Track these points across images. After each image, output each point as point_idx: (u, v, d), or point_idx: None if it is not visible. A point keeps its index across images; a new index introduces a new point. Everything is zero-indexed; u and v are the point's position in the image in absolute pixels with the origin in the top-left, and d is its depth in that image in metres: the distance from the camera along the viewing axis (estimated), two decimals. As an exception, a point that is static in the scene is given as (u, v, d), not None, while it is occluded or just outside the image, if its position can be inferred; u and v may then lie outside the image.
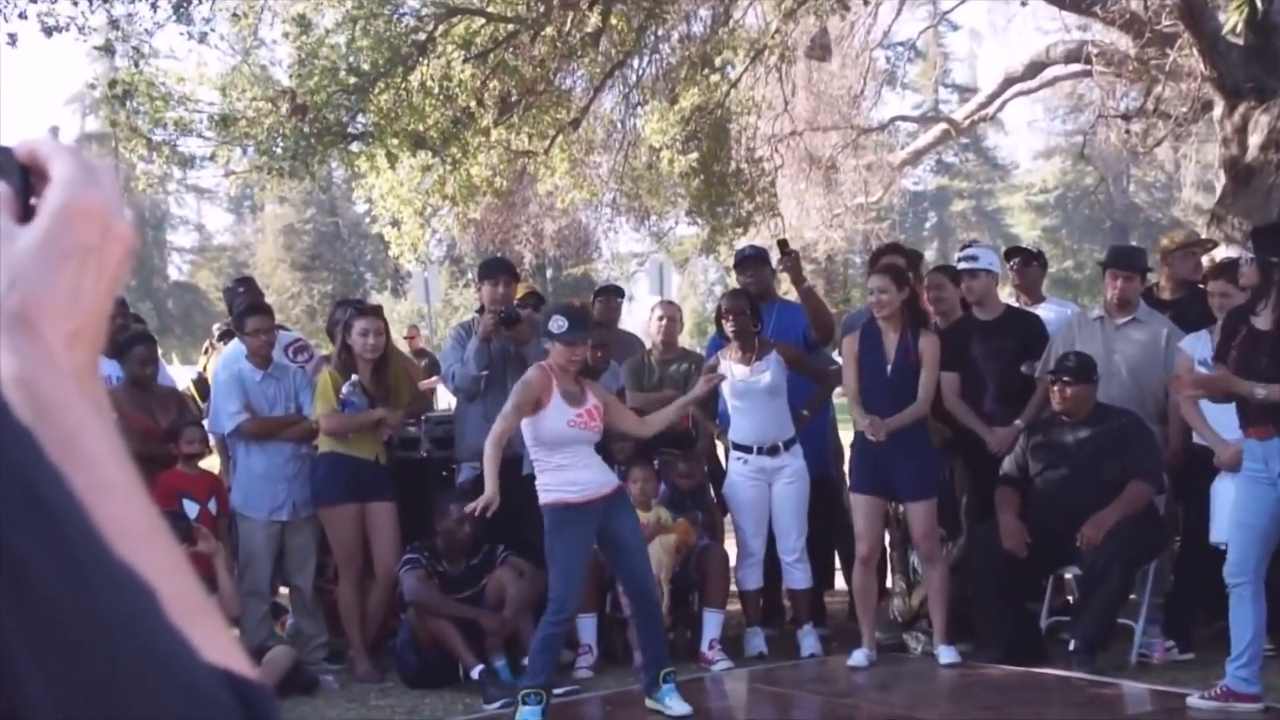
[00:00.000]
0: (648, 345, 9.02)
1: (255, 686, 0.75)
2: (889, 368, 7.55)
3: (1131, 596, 7.60)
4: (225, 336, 10.10)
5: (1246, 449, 6.29)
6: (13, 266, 0.78)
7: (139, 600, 0.70)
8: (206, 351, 10.13)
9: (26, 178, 0.82)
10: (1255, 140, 9.95)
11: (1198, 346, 7.20)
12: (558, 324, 6.53)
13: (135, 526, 0.76)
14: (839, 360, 8.61)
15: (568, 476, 6.47)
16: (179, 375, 12.03)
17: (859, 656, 7.62)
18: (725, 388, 7.92)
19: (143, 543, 0.75)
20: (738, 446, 8.08)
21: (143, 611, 0.69)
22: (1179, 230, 12.23)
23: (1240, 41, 10.32)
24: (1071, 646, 7.29)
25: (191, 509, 7.87)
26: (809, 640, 8.01)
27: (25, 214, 0.80)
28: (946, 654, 7.51)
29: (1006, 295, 9.67)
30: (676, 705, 6.59)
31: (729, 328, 8.00)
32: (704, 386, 7.00)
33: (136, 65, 10.81)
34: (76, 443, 0.76)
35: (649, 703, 6.68)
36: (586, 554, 6.60)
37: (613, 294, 10.36)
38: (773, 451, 7.95)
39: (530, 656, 6.62)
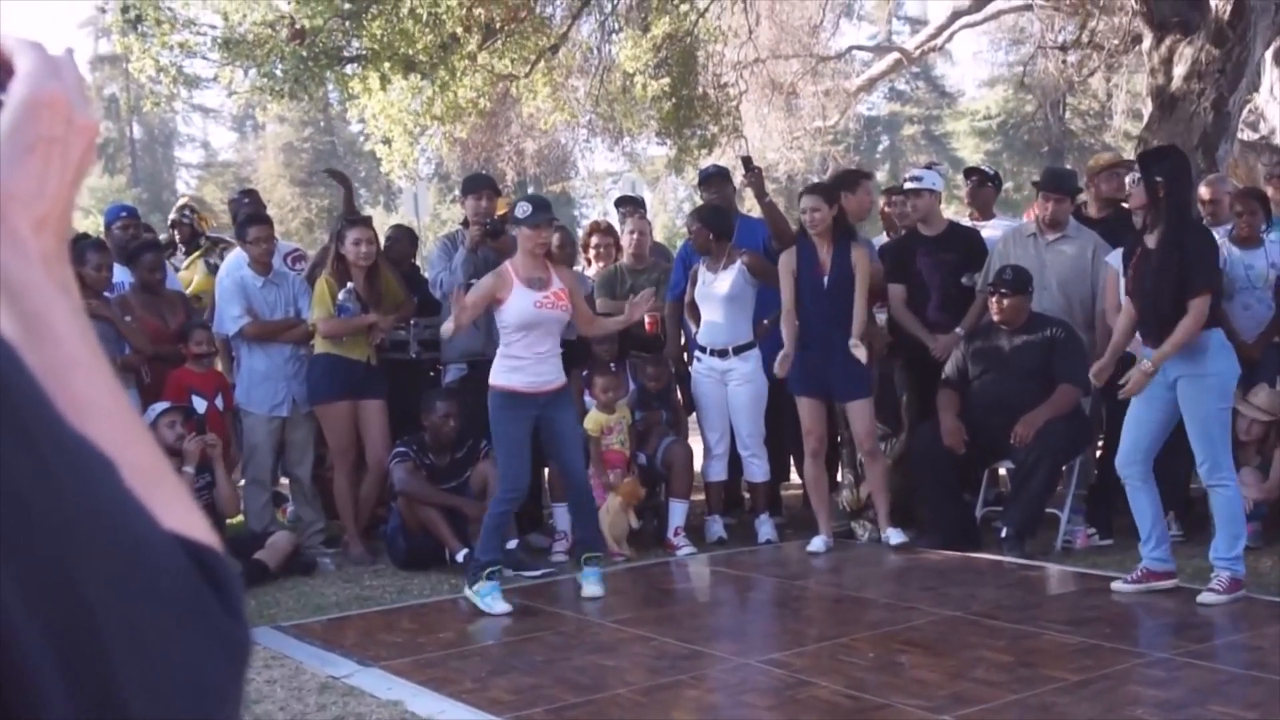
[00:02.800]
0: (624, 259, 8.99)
1: (208, 549, 0.73)
2: (825, 280, 7.55)
3: (1058, 489, 7.68)
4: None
5: (1145, 356, 6.31)
6: None
7: (94, 468, 0.68)
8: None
9: None
10: (1180, 71, 9.91)
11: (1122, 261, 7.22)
12: (522, 209, 6.49)
13: (97, 401, 0.75)
14: None
15: (522, 365, 6.42)
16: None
17: (817, 543, 7.70)
18: (696, 290, 8.00)
19: (104, 416, 0.74)
20: (697, 345, 8.13)
21: (95, 475, 0.68)
22: (1107, 153, 12.20)
23: (1168, -21, 10.25)
24: (1003, 534, 7.39)
25: (200, 405, 7.85)
26: (765, 528, 8.08)
27: None
28: (895, 536, 7.60)
29: (954, 212, 9.66)
30: (591, 588, 6.62)
31: (693, 241, 8.12)
32: (635, 312, 6.81)
33: (145, -12, 10.62)
34: (42, 321, 0.74)
35: (579, 578, 6.73)
36: (528, 436, 6.51)
37: (634, 204, 10.23)
38: (721, 354, 7.97)
39: (483, 536, 6.57)
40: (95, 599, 0.65)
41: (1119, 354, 6.62)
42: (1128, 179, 6.61)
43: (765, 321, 8.04)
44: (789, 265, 7.70)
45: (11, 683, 0.61)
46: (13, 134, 0.77)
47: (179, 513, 0.74)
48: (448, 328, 6.54)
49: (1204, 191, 8.54)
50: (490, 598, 6.38)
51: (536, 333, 6.44)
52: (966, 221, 9.05)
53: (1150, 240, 6.23)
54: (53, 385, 0.70)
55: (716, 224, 8.04)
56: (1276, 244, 7.86)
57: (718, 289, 7.87)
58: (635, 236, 8.89)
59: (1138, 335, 6.75)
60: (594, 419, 7.82)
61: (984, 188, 9.21)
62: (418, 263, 9.49)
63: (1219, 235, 7.99)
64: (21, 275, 0.74)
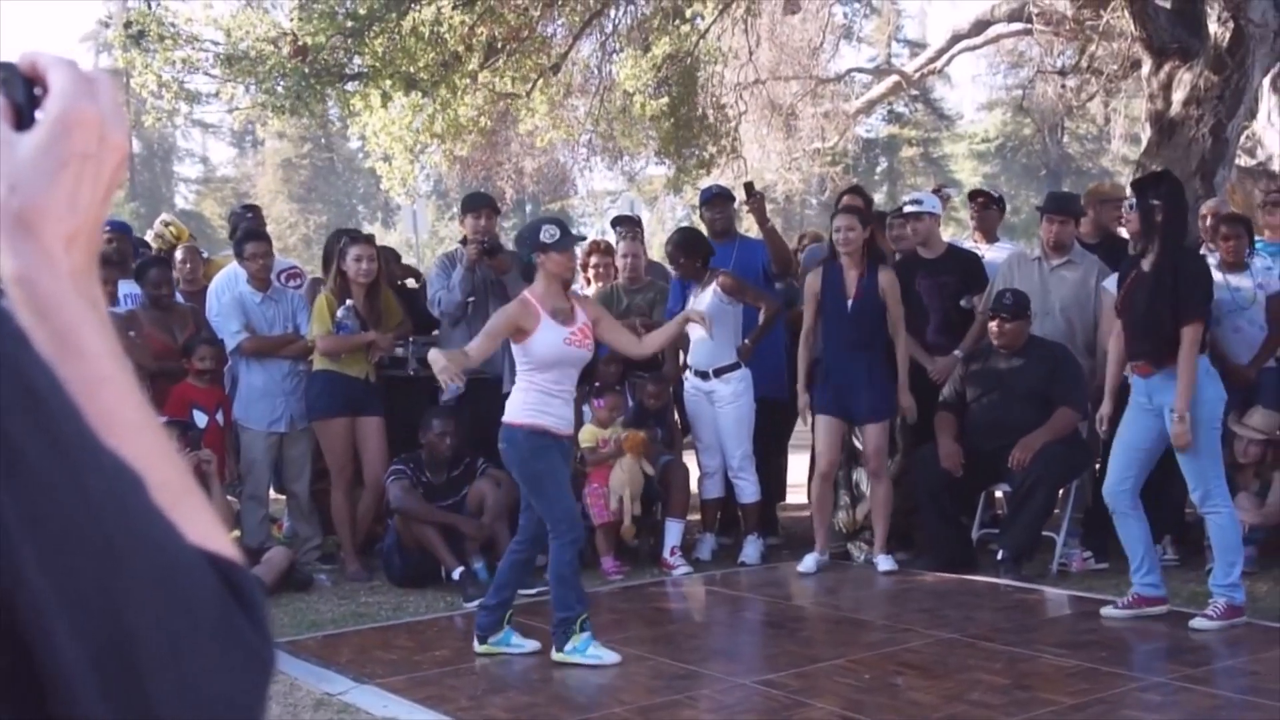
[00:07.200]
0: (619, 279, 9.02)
1: (234, 565, 0.74)
2: (849, 302, 7.58)
3: (1055, 512, 7.68)
4: None
5: (1132, 384, 6.34)
6: (14, 173, 0.77)
7: (126, 484, 0.69)
8: None
9: (31, 90, 0.80)
10: (1179, 96, 9.95)
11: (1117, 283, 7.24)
12: (549, 233, 5.84)
13: (126, 417, 0.76)
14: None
15: (551, 405, 5.79)
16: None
17: (809, 562, 7.70)
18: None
19: (133, 432, 0.75)
20: (687, 365, 8.17)
21: (129, 494, 0.69)
22: (1108, 180, 12.27)
23: (1167, 4, 10.30)
24: (1000, 556, 7.40)
25: (201, 419, 7.85)
26: (749, 549, 8.09)
27: (31, 124, 0.79)
28: (884, 562, 7.61)
29: (951, 234, 9.67)
30: (603, 653, 5.80)
31: (675, 273, 8.25)
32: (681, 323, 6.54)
33: (148, 4, 10.65)
34: (73, 337, 0.75)
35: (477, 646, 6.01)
36: (569, 470, 6.02)
37: (632, 224, 10.21)
38: (704, 376, 8.00)
39: (563, 588, 5.82)
40: (132, 615, 0.66)
41: (1117, 388, 6.64)
42: (1124, 204, 6.63)
43: (746, 342, 8.05)
44: (813, 287, 7.73)
45: (52, 698, 0.62)
46: (47, 150, 0.78)
47: (204, 528, 0.75)
48: (478, 348, 5.85)
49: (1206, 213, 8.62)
50: (593, 649, 5.75)
51: (558, 371, 5.83)
52: (968, 244, 9.08)
53: (1145, 263, 6.26)
54: (82, 400, 0.70)
55: (691, 248, 8.13)
56: (1263, 268, 7.93)
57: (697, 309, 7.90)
58: (629, 260, 8.90)
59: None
60: (589, 431, 7.82)
61: (989, 210, 9.23)
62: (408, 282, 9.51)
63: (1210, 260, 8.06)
64: (53, 291, 0.76)
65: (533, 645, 5.98)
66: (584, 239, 7.00)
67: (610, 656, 5.73)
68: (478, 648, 6.00)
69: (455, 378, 5.64)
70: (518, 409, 5.84)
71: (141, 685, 0.65)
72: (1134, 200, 6.34)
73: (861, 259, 7.58)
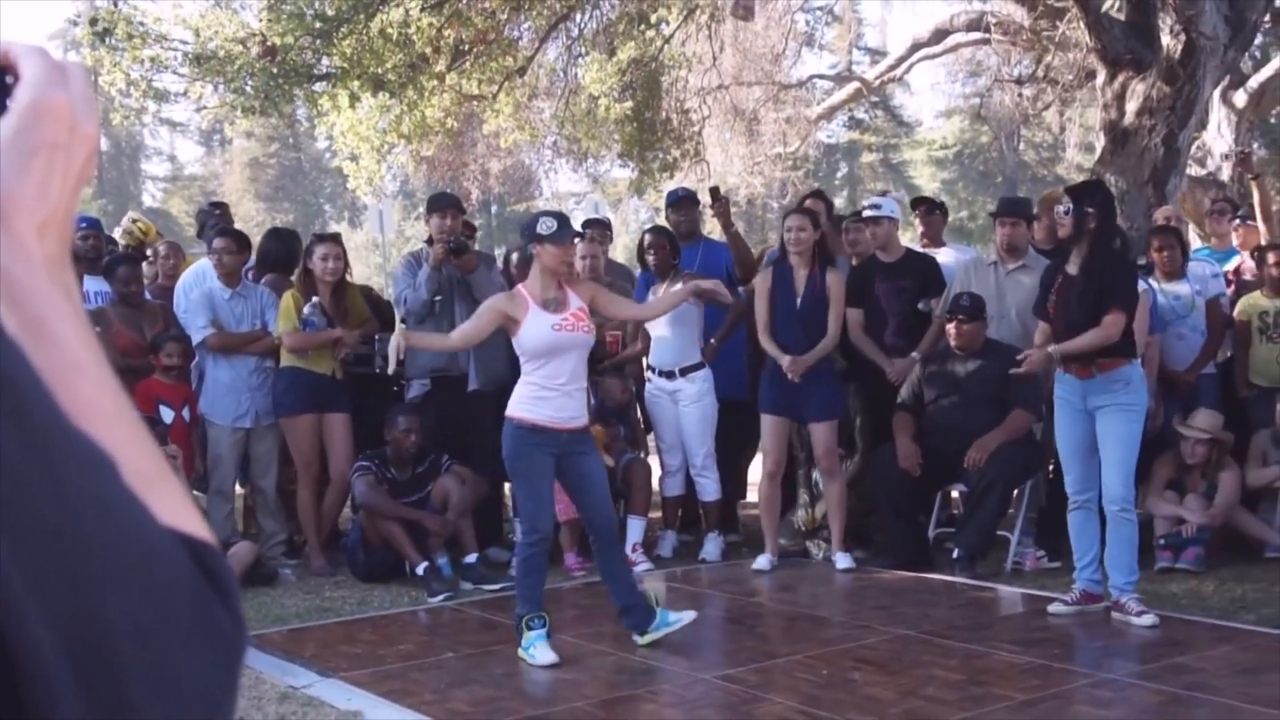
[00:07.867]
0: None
1: (207, 546, 0.73)
2: (798, 301, 7.60)
3: (1009, 511, 7.74)
4: None
5: (1063, 382, 6.38)
6: None
7: (98, 468, 0.68)
8: None
9: (2, 79, 0.79)
10: (1132, 106, 10.04)
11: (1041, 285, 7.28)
12: (546, 225, 5.79)
13: (100, 403, 0.74)
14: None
15: (545, 397, 5.72)
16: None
17: (762, 561, 7.72)
18: None
19: (107, 418, 0.73)
20: (650, 365, 8.18)
21: (102, 478, 0.68)
22: (1061, 187, 12.39)
23: (1122, 17, 10.40)
24: (955, 555, 7.45)
25: (167, 415, 7.80)
26: (710, 546, 8.11)
27: (1, 112, 0.78)
28: (842, 560, 7.63)
29: (909, 239, 9.75)
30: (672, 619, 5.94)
31: (651, 261, 8.14)
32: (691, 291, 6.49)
33: (115, 4, 10.57)
34: (45, 325, 0.74)
35: (640, 640, 5.98)
36: (551, 475, 5.78)
37: (602, 226, 10.16)
38: (669, 375, 8.01)
39: (517, 585, 5.92)
40: (107, 603, 0.64)
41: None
42: (1058, 209, 6.69)
43: (713, 341, 8.07)
44: (764, 285, 7.74)
45: (25, 688, 0.61)
46: (17, 139, 0.77)
47: (176, 510, 0.73)
48: (460, 334, 6.02)
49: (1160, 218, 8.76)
50: (535, 648, 5.70)
51: (557, 361, 5.73)
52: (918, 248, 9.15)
53: (1072, 267, 6.33)
54: (57, 389, 0.69)
55: (672, 239, 8.23)
56: (1209, 274, 8.05)
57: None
58: (588, 261, 8.85)
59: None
60: None
61: (933, 216, 9.43)
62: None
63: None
64: (25, 279, 0.74)
65: (549, 658, 5.72)
66: (582, 234, 6.98)
67: (547, 657, 5.65)
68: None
69: (398, 355, 5.82)
70: (513, 402, 5.83)
71: (119, 681, 0.64)
72: (1069, 205, 6.39)
73: (812, 259, 7.61)
